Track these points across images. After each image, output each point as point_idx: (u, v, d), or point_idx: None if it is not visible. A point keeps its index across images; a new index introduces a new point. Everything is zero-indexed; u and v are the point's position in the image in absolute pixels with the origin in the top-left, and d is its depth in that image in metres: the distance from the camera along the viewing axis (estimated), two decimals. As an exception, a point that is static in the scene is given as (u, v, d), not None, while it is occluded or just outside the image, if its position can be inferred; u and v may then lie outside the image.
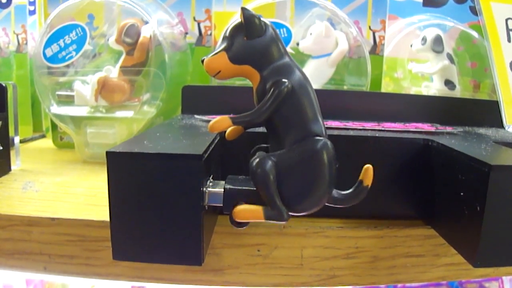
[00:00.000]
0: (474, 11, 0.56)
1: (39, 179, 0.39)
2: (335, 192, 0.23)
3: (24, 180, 0.39)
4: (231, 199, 0.23)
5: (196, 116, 0.38)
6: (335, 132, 0.30)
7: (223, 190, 0.23)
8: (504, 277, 0.66)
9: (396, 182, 0.29)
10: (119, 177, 0.22)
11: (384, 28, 0.52)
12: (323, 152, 0.22)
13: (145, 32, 0.47)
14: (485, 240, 0.23)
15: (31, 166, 0.44)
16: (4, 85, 0.41)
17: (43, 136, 0.62)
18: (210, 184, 0.23)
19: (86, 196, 0.34)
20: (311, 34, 0.48)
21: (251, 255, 0.29)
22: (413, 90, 0.55)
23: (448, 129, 0.35)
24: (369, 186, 0.23)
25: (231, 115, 0.23)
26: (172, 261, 0.23)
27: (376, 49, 0.52)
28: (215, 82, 0.46)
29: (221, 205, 0.23)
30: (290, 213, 0.23)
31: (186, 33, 0.53)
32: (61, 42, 0.48)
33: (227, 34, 0.24)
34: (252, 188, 0.23)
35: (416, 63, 0.55)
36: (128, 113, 0.47)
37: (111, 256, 0.23)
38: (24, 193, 0.35)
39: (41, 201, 0.33)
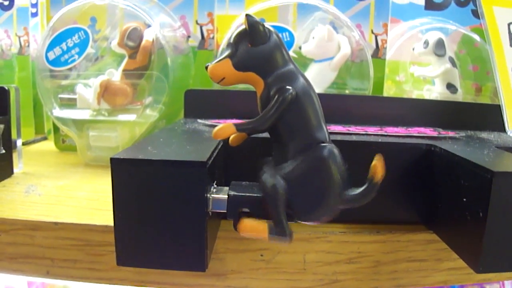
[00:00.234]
0: (476, 14, 0.56)
1: (41, 183, 0.39)
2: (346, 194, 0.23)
3: (26, 183, 0.39)
4: (235, 205, 0.23)
5: (199, 120, 0.38)
6: (338, 137, 0.30)
7: (227, 196, 0.23)
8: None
9: (398, 187, 0.29)
10: (123, 183, 0.22)
11: (386, 32, 0.52)
12: (330, 158, 0.22)
13: (148, 36, 0.47)
14: (487, 246, 0.23)
15: (33, 169, 0.45)
16: (6, 88, 0.41)
17: (45, 139, 0.62)
18: (214, 190, 0.23)
19: (88, 200, 0.34)
20: (313, 38, 0.48)
21: (254, 260, 0.29)
22: (415, 94, 0.55)
23: (451, 133, 0.35)
24: (379, 183, 0.23)
25: (235, 122, 0.23)
26: (176, 267, 0.23)
27: (378, 52, 0.52)
28: (217, 86, 0.46)
29: (225, 211, 0.23)
30: (306, 223, 0.23)
31: (189, 37, 0.53)
32: (63, 45, 0.48)
33: (231, 40, 0.24)
34: (256, 195, 0.23)
35: (418, 66, 0.55)
36: (131, 117, 0.47)
37: (114, 261, 0.23)
38: (26, 197, 0.35)
39: (44, 205, 0.33)
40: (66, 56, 0.48)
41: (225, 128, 0.23)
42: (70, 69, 0.48)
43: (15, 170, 0.42)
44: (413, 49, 0.54)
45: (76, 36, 0.48)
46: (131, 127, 0.47)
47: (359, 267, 0.30)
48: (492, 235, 0.22)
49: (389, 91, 0.56)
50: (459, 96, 0.54)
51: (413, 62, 0.56)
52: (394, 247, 0.30)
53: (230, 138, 0.24)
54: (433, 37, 0.53)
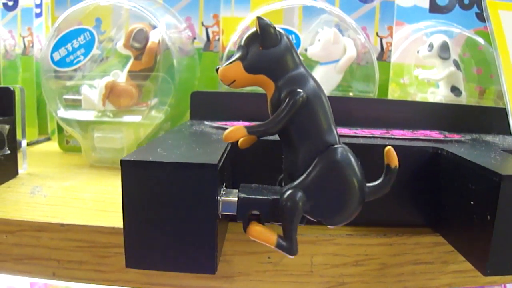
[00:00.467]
0: (480, 17, 0.56)
1: (46, 184, 0.39)
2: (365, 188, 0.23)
3: (31, 184, 0.39)
4: (245, 208, 0.23)
5: (205, 122, 0.38)
6: (346, 140, 0.29)
7: (236, 199, 0.23)
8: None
9: (405, 190, 0.29)
10: (134, 185, 0.22)
11: (391, 35, 0.52)
12: (344, 159, 0.23)
13: (154, 37, 0.47)
14: (495, 249, 0.23)
15: (38, 170, 0.44)
16: (12, 88, 0.41)
17: (48, 139, 0.62)
18: (224, 192, 0.23)
19: (94, 202, 0.34)
20: (319, 40, 0.48)
21: (262, 262, 0.29)
22: (419, 96, 0.55)
23: (457, 137, 0.35)
24: (397, 167, 0.23)
25: (245, 124, 0.23)
26: (186, 269, 0.23)
27: (383, 55, 0.52)
28: (223, 87, 0.46)
29: (235, 213, 0.23)
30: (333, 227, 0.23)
31: (194, 38, 0.53)
32: (69, 46, 0.48)
33: (242, 43, 0.24)
34: (265, 198, 0.23)
35: (423, 69, 0.55)
36: (136, 118, 0.47)
37: (121, 263, 0.23)
38: (32, 198, 0.35)
39: (49, 206, 0.33)
40: (71, 57, 0.48)
41: (236, 130, 0.23)
42: (75, 70, 0.48)
43: (20, 170, 0.43)
44: (418, 52, 0.54)
45: (82, 37, 0.48)
46: (136, 128, 0.47)
47: (365, 269, 0.30)
48: (499, 238, 0.22)
49: (393, 93, 0.56)
50: (463, 99, 0.54)
51: (418, 65, 0.56)
52: (400, 250, 0.30)
53: (240, 141, 0.24)
54: (437, 40, 0.53)
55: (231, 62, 0.23)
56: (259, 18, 0.23)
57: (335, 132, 0.23)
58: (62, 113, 0.48)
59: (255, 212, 0.23)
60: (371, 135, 0.33)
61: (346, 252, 0.30)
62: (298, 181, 0.23)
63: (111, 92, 0.46)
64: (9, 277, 0.32)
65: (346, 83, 0.50)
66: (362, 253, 0.30)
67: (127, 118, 0.47)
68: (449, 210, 0.28)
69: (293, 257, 0.23)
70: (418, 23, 0.57)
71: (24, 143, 0.44)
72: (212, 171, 0.21)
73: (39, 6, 0.63)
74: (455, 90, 0.53)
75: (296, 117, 0.23)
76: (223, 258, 0.29)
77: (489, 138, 0.38)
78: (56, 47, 0.48)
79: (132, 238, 0.22)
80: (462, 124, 0.41)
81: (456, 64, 0.53)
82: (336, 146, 0.23)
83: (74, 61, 0.48)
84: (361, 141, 0.30)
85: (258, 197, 0.23)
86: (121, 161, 0.22)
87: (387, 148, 0.23)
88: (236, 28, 0.51)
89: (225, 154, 0.24)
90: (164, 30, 0.47)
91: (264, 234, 0.23)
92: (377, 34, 0.52)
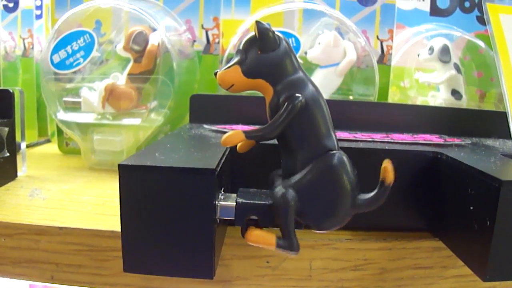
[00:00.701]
0: (480, 20, 0.56)
1: (45, 186, 0.39)
2: (358, 199, 0.23)
3: (30, 187, 0.39)
4: (243, 213, 0.23)
5: (204, 125, 0.38)
6: (345, 144, 0.29)
7: (235, 203, 0.23)
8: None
9: (405, 195, 0.29)
10: (131, 190, 0.22)
11: (391, 38, 0.52)
12: (340, 166, 0.22)
13: (153, 40, 0.47)
14: (495, 254, 0.22)
15: (37, 173, 0.44)
16: (11, 90, 0.41)
17: (48, 141, 0.62)
18: (222, 197, 0.23)
19: (93, 205, 0.34)
20: (319, 43, 0.48)
21: (260, 267, 0.29)
22: (420, 100, 0.55)
23: (456, 141, 0.35)
24: (391, 184, 0.23)
25: (244, 129, 0.23)
26: (184, 274, 0.23)
27: (383, 58, 0.52)
28: (223, 91, 0.46)
29: (233, 218, 0.23)
30: (321, 232, 0.23)
31: (194, 41, 0.53)
32: (68, 49, 0.48)
33: (241, 47, 0.24)
34: (264, 202, 0.23)
35: (423, 72, 0.55)
36: (135, 121, 0.47)
37: (120, 267, 0.23)
38: (31, 201, 0.35)
39: (48, 209, 0.33)
40: (71, 59, 0.48)
41: (234, 135, 0.22)
42: (75, 72, 0.48)
43: (19, 173, 0.42)
44: (418, 55, 0.54)
45: (82, 39, 0.48)
46: (136, 131, 0.47)
47: (365, 274, 0.30)
48: (499, 244, 0.22)
49: (393, 97, 0.55)
50: (464, 102, 0.53)
51: (418, 68, 0.56)
52: (400, 255, 0.30)
53: (238, 145, 0.24)
54: (438, 43, 0.53)
55: (229, 67, 0.23)
56: (258, 22, 0.23)
57: (334, 137, 0.23)
58: (62, 115, 0.48)
59: (253, 217, 0.23)
60: (370, 139, 0.33)
61: (345, 256, 0.29)
62: (292, 180, 0.23)
63: (111, 95, 0.46)
64: (8, 280, 0.32)
65: (346, 86, 0.49)
66: (361, 258, 0.30)
67: (126, 121, 0.47)
68: (449, 215, 0.27)
69: (296, 254, 0.22)
70: (419, 26, 0.57)
71: (23, 145, 0.43)
72: (210, 176, 0.21)
73: (39, 8, 0.63)
74: (455, 93, 0.53)
75: (294, 122, 0.22)
76: (221, 262, 0.29)
77: (489, 142, 0.38)
78: (56, 49, 0.48)
79: (129, 242, 0.22)
80: (462, 128, 0.41)
81: (456, 67, 0.53)
82: (334, 152, 0.23)
83: (74, 64, 0.48)
84: (361, 145, 0.30)
85: (256, 202, 0.23)
86: (119, 165, 0.22)
87: (384, 164, 0.23)
88: (236, 31, 0.51)
89: (224, 159, 0.24)
90: (164, 32, 0.47)
91: (263, 238, 0.23)
92: (377, 37, 0.52)
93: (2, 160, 0.38)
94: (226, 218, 0.23)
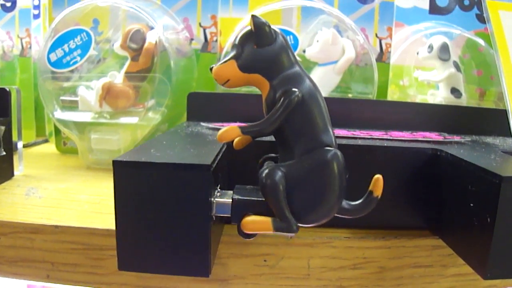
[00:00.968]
0: (480, 18, 0.56)
1: (42, 185, 0.39)
2: (344, 203, 0.23)
3: (27, 186, 0.39)
4: (239, 209, 0.22)
5: (202, 123, 0.38)
6: (344, 141, 0.29)
7: (231, 200, 0.23)
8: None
9: (403, 192, 0.29)
10: (126, 186, 0.22)
11: (390, 36, 0.52)
12: (334, 162, 0.22)
13: (151, 38, 0.47)
14: (495, 252, 0.22)
15: (34, 172, 0.44)
16: (7, 89, 0.41)
17: (46, 141, 0.62)
18: (218, 194, 0.23)
19: (90, 203, 0.34)
20: (317, 41, 0.47)
21: (258, 265, 0.29)
22: (419, 98, 0.55)
23: (456, 138, 0.35)
24: (379, 197, 0.23)
25: (240, 125, 0.22)
26: (179, 272, 0.22)
27: (382, 56, 0.52)
28: (220, 89, 0.46)
29: (229, 215, 0.23)
30: (299, 225, 0.22)
31: (192, 39, 0.53)
32: (65, 47, 0.48)
33: (237, 42, 0.23)
34: (260, 199, 0.22)
35: (422, 70, 0.55)
36: (133, 119, 0.47)
37: (116, 265, 0.22)
38: (27, 200, 0.35)
39: (44, 208, 0.33)
40: (68, 58, 0.48)
41: (230, 130, 0.22)
42: (72, 71, 0.48)
43: (16, 172, 0.42)
44: (417, 53, 0.54)
45: (78, 37, 0.48)
46: (133, 130, 0.47)
47: (364, 273, 0.30)
48: (500, 241, 0.22)
49: (393, 95, 0.55)
50: (463, 101, 0.53)
51: (417, 67, 0.56)
52: (399, 253, 0.30)
53: (235, 141, 0.24)
54: (437, 41, 0.53)
55: (225, 61, 0.23)
56: (253, 16, 0.23)
57: (331, 132, 0.23)
58: (59, 114, 0.48)
59: (250, 214, 0.23)
60: (369, 137, 0.32)
61: (344, 255, 0.29)
62: (282, 165, 0.22)
63: (108, 93, 0.46)
64: (4, 279, 0.31)
65: (345, 84, 0.49)
66: (360, 256, 0.29)
67: (124, 120, 0.47)
68: (449, 213, 0.27)
69: (296, 232, 0.22)
70: (418, 24, 0.56)
71: (20, 144, 0.43)
72: (206, 172, 0.21)
73: (37, 7, 0.63)
74: (455, 91, 0.53)
75: (291, 117, 0.22)
76: (218, 261, 0.28)
77: (489, 140, 0.38)
78: (52, 48, 0.47)
79: (124, 240, 0.22)
80: (461, 126, 0.41)
81: (456, 65, 0.53)
82: (330, 148, 0.22)
83: (71, 62, 0.48)
84: (359, 142, 0.30)
85: (252, 198, 0.23)
86: (113, 161, 0.21)
87: (376, 176, 0.23)
88: (234, 29, 0.51)
89: (220, 155, 0.24)
90: (161, 31, 0.47)
91: (259, 223, 0.22)
92: (376, 35, 0.52)
93: (-2, 159, 0.38)
94: (222, 215, 0.23)
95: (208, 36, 0.53)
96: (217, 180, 0.23)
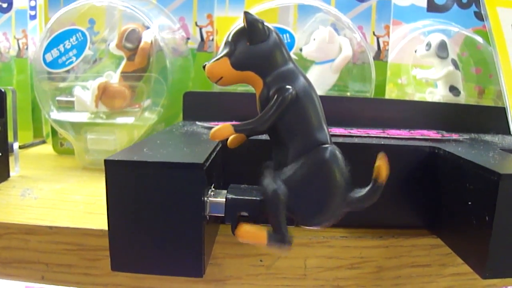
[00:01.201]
0: (478, 16, 0.56)
1: (38, 186, 0.39)
2: (352, 194, 0.22)
3: (22, 187, 0.39)
4: (233, 209, 0.22)
5: (197, 122, 0.38)
6: (340, 140, 0.29)
7: (224, 200, 0.22)
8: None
9: (401, 191, 0.29)
10: (118, 186, 0.21)
11: (388, 34, 0.52)
12: (332, 160, 0.22)
13: (146, 38, 0.46)
14: (494, 250, 0.22)
15: (30, 173, 0.44)
16: (3, 90, 0.40)
17: (43, 142, 0.62)
18: (212, 193, 0.23)
19: (85, 204, 0.34)
20: (314, 39, 0.47)
21: (253, 266, 0.29)
22: (417, 96, 0.55)
23: (454, 136, 0.34)
24: (384, 183, 0.22)
25: (233, 123, 0.22)
26: (172, 272, 0.22)
27: (380, 54, 0.52)
28: (217, 88, 0.46)
29: (223, 215, 0.22)
30: (311, 228, 0.22)
31: (188, 39, 0.53)
32: (61, 47, 0.47)
33: (230, 39, 0.23)
34: (254, 198, 0.22)
35: (420, 69, 0.55)
36: (129, 119, 0.47)
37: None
38: (22, 200, 0.34)
39: (39, 208, 0.32)
40: (63, 58, 0.47)
41: (223, 129, 0.22)
42: (67, 71, 0.48)
43: (12, 173, 0.42)
44: (415, 51, 0.54)
45: (74, 37, 0.48)
46: (130, 130, 0.47)
47: (361, 272, 0.29)
48: (498, 240, 0.22)
49: (391, 94, 0.55)
50: (462, 99, 0.53)
51: (415, 65, 0.55)
52: (397, 252, 0.29)
53: (229, 140, 0.24)
54: (435, 39, 0.52)
55: (218, 59, 0.23)
56: (246, 13, 0.22)
57: (326, 130, 0.23)
58: (55, 115, 0.48)
59: (244, 213, 0.22)
60: (366, 135, 0.32)
61: (341, 254, 0.29)
62: (283, 174, 0.22)
63: (104, 93, 0.46)
64: (4, 281, 0.31)
65: (342, 83, 0.49)
66: (357, 256, 0.29)
67: (120, 120, 0.47)
68: (447, 211, 0.27)
69: (289, 248, 0.22)
70: (416, 22, 0.56)
71: (16, 145, 0.43)
72: (199, 171, 0.21)
73: (33, 8, 0.63)
74: (453, 90, 0.53)
75: (285, 114, 0.22)
76: (213, 261, 0.28)
77: (487, 137, 0.38)
78: (48, 48, 0.47)
79: (117, 240, 0.22)
80: (460, 124, 0.41)
81: (454, 63, 0.53)
82: (326, 145, 0.22)
83: (67, 62, 0.47)
84: (356, 140, 0.30)
85: (246, 197, 0.22)
86: (105, 161, 0.21)
87: (378, 161, 0.22)
88: (230, 28, 0.50)
89: (214, 154, 0.24)
90: (156, 30, 0.47)
91: (254, 234, 0.22)
92: (373, 33, 0.51)
93: (-7, 160, 0.38)
94: (216, 214, 0.22)
95: (205, 35, 0.53)
96: (211, 179, 0.23)
